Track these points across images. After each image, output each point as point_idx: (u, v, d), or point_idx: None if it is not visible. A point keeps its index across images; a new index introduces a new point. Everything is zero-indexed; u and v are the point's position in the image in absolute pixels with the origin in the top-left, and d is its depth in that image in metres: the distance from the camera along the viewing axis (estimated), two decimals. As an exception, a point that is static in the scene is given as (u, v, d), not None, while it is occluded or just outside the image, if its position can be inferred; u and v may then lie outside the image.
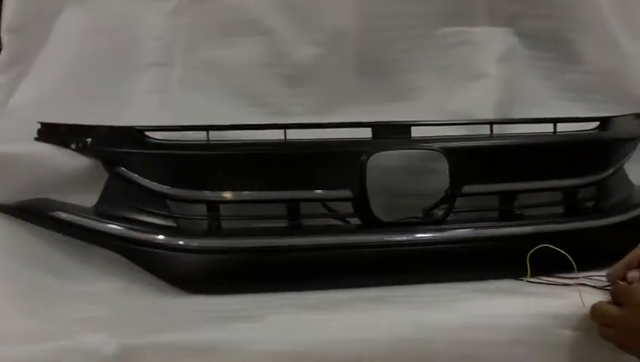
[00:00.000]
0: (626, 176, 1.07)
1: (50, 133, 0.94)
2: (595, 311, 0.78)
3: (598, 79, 1.13)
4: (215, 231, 0.90)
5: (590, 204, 1.01)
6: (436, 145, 0.92)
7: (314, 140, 0.93)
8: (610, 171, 1.01)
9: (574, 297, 0.81)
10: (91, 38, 1.07)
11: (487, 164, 0.94)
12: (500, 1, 1.12)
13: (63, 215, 0.89)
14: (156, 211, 0.90)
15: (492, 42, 1.11)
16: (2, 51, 1.08)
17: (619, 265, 0.82)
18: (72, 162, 0.93)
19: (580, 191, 1.00)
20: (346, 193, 0.90)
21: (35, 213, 0.90)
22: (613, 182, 1.03)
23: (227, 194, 0.90)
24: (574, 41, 1.13)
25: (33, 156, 0.93)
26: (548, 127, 1.01)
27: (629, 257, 0.82)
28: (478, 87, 1.10)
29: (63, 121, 0.94)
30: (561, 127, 1.01)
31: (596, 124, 1.05)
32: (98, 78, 1.05)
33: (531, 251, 0.85)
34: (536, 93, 1.14)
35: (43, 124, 0.94)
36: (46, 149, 0.93)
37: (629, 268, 0.81)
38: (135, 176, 0.91)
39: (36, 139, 0.94)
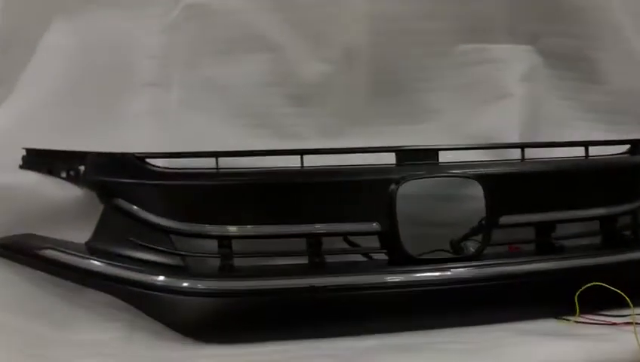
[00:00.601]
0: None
1: (36, 160, 0.84)
2: None
3: (620, 99, 1.09)
4: (227, 270, 0.80)
5: (628, 233, 0.94)
6: (469, 172, 0.84)
7: (334, 167, 0.85)
8: (647, 197, 0.95)
9: (627, 338, 0.74)
10: (80, 56, 0.98)
11: (523, 191, 0.86)
12: (521, 17, 1.06)
13: (51, 252, 0.79)
14: (159, 248, 0.80)
15: (514, 61, 1.05)
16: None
17: None
18: (62, 193, 0.84)
19: (619, 220, 0.93)
20: (374, 226, 0.81)
21: (19, 250, 0.80)
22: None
23: (240, 229, 0.81)
24: (596, 60, 1.08)
25: (17, 186, 0.83)
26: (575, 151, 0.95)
27: None
28: (501, 107, 1.04)
29: (50, 146, 0.85)
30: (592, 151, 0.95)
31: (627, 147, 0.99)
32: (89, 99, 0.96)
33: (581, 289, 0.77)
34: (558, 114, 1.08)
35: (28, 151, 0.85)
36: (32, 178, 0.83)
37: None
38: (135, 209, 0.81)
39: (21, 167, 0.85)
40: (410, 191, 0.86)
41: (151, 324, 0.78)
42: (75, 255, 0.79)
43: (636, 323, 0.76)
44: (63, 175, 0.84)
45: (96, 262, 0.78)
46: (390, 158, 0.87)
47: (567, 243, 0.90)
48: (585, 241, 0.92)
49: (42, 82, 0.96)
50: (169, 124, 0.97)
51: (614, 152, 0.99)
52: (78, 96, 0.96)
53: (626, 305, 0.79)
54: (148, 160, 0.83)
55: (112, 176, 0.82)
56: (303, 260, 0.82)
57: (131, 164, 0.82)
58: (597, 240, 0.93)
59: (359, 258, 0.87)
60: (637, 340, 0.73)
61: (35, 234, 0.81)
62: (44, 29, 0.98)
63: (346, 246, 0.86)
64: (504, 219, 0.84)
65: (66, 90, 0.96)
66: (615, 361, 0.72)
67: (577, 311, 0.80)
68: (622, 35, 1.08)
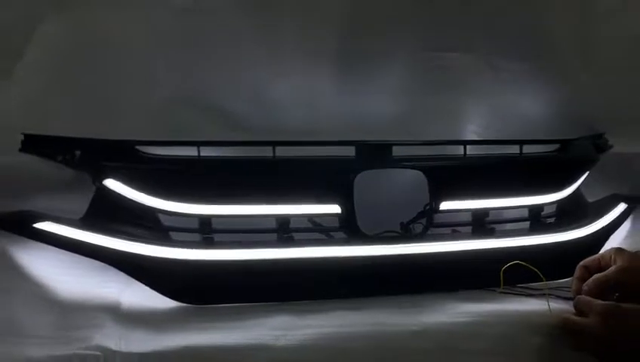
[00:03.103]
0: (581, 194, 1.17)
1: (35, 144, 0.93)
2: (566, 323, 0.84)
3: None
4: (206, 243, 0.92)
5: (552, 220, 1.10)
6: (416, 164, 0.98)
7: (302, 157, 0.97)
8: (571, 189, 1.10)
9: (542, 305, 0.89)
10: (73, 48, 1.05)
11: (463, 182, 1.00)
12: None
13: (50, 225, 0.89)
14: (146, 224, 0.92)
15: None
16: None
17: (575, 282, 0.91)
18: (57, 173, 0.94)
19: (544, 208, 1.08)
20: (335, 208, 0.94)
21: (19, 224, 0.89)
22: (573, 199, 1.12)
23: (218, 208, 0.93)
24: None
25: (16, 167, 0.93)
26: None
27: (578, 271, 0.91)
28: None
29: (45, 131, 0.93)
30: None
31: (557, 146, 1.14)
32: (81, 88, 1.04)
33: (505, 267, 0.92)
34: None
35: (27, 136, 0.93)
36: (30, 160, 0.93)
37: (582, 279, 0.90)
38: (125, 190, 0.92)
39: (20, 150, 0.93)
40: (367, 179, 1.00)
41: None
42: (71, 227, 0.89)
43: (550, 295, 0.92)
44: (60, 158, 0.92)
45: (91, 234, 0.88)
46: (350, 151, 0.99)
47: (499, 227, 1.05)
48: (515, 226, 1.08)
49: (38, 71, 1.02)
50: (155, 114, 1.05)
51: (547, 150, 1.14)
52: (70, 85, 1.04)
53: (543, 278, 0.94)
54: (137, 146, 0.93)
55: (105, 161, 0.92)
56: (273, 236, 0.95)
57: (122, 150, 0.92)
58: (526, 225, 1.08)
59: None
60: (549, 307, 0.88)
61: (32, 210, 0.91)
62: (39, 21, 1.04)
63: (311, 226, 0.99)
64: (444, 205, 0.98)
65: (59, 79, 1.03)
66: (528, 319, 0.87)
67: (501, 283, 0.94)
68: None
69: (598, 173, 1.19)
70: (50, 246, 0.89)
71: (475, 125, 1.18)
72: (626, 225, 1.17)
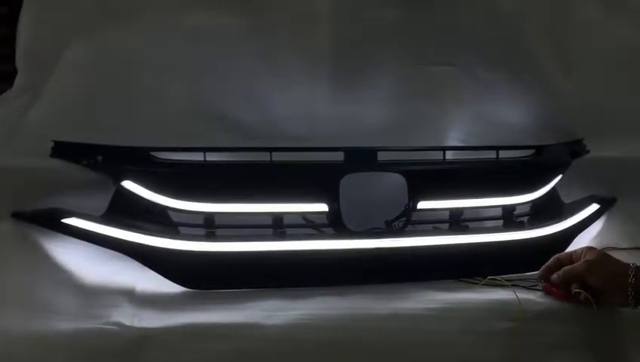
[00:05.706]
0: (557, 195, 1.26)
1: (63, 150, 1.07)
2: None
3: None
4: (210, 237, 1.05)
5: (525, 218, 1.19)
6: (396, 168, 1.10)
7: (296, 161, 1.09)
8: (543, 191, 1.20)
9: (509, 295, 0.99)
10: (96, 66, 1.19)
11: (439, 184, 1.11)
12: None
13: (75, 220, 1.02)
14: (159, 219, 1.05)
15: None
16: (17, 76, 1.21)
17: (543, 269, 1.01)
18: (82, 175, 1.07)
19: (517, 208, 1.18)
20: (323, 207, 1.06)
21: (49, 219, 1.02)
22: (546, 200, 1.22)
23: (221, 207, 1.05)
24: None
25: (47, 170, 1.06)
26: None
27: (550, 262, 1.01)
28: None
29: (72, 139, 1.07)
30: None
31: (532, 151, 1.24)
32: (103, 101, 1.18)
33: (483, 282, 1.04)
34: None
35: (56, 143, 1.07)
36: (59, 164, 1.07)
37: (551, 270, 1.00)
38: (141, 190, 1.05)
39: (50, 155, 1.07)
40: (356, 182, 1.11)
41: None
42: (94, 222, 1.02)
43: (516, 286, 1.01)
44: (84, 162, 1.05)
45: (111, 228, 1.01)
46: (340, 156, 1.11)
47: (474, 224, 1.15)
48: (490, 224, 1.18)
49: (65, 87, 1.16)
50: (170, 126, 1.17)
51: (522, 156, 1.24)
52: (92, 99, 1.17)
53: (516, 271, 1.06)
54: (151, 152, 1.06)
55: (123, 165, 1.04)
56: (269, 232, 1.07)
57: (139, 155, 1.05)
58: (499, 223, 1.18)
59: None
60: (516, 296, 0.98)
61: (61, 208, 1.04)
62: (66, 44, 1.18)
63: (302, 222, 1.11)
64: (421, 205, 1.09)
65: (83, 94, 1.17)
66: (496, 306, 0.96)
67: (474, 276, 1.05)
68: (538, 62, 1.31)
69: (576, 176, 1.28)
70: (76, 239, 1.02)
71: (458, 132, 1.28)
72: (597, 225, 1.26)
